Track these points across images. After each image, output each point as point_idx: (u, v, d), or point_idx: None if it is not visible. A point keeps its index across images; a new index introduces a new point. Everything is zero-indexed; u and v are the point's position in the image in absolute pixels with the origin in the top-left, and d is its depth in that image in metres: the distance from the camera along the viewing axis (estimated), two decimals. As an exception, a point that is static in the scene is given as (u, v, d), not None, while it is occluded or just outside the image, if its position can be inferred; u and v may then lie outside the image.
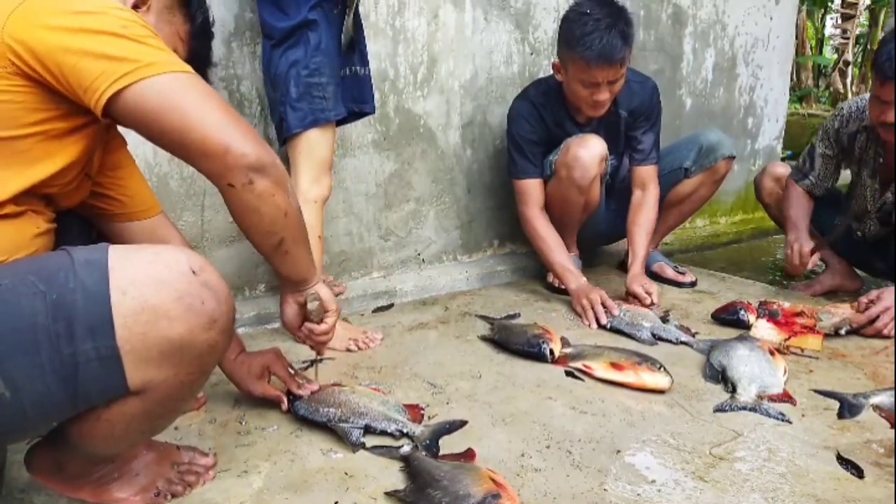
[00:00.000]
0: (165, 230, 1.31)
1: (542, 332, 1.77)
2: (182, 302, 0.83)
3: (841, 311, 1.94)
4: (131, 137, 1.74)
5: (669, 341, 1.83)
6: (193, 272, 0.85)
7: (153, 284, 0.83)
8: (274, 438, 1.33)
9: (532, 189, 2.21)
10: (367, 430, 1.31)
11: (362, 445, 1.28)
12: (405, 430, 1.31)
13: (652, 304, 2.03)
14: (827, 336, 1.85)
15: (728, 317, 1.97)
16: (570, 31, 1.98)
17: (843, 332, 1.86)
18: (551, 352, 1.69)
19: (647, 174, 2.22)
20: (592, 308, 1.98)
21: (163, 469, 1.12)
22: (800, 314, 1.94)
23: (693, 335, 1.85)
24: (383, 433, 1.31)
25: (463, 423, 1.38)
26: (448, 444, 1.30)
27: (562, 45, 2.04)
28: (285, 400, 1.39)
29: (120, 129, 1.17)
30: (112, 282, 0.81)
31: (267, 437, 1.33)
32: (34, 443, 1.07)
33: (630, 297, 2.08)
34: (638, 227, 2.20)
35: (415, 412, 1.40)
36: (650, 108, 2.20)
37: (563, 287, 2.23)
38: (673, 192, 2.31)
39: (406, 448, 1.27)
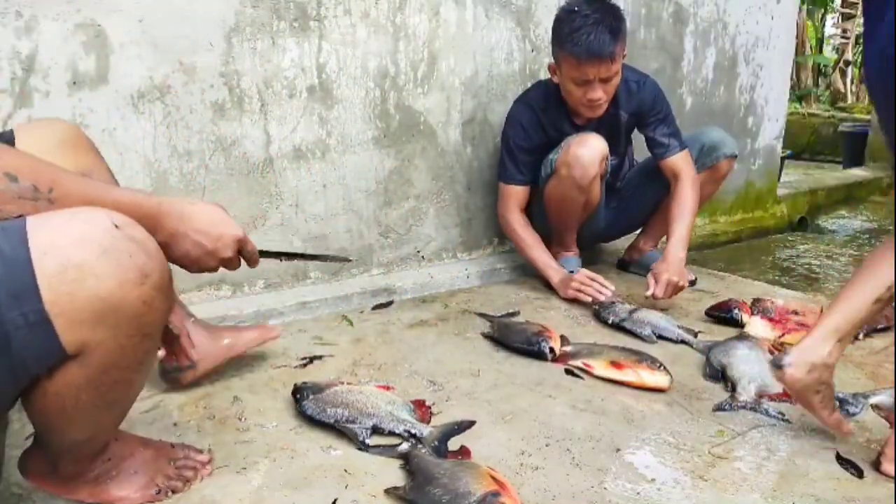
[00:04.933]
0: None
1: (541, 330, 1.77)
2: (108, 257, 0.79)
3: None
4: (132, 133, 1.74)
5: (670, 339, 1.83)
6: (116, 226, 0.81)
7: (75, 242, 0.78)
8: (273, 435, 1.32)
9: (514, 194, 2.24)
10: (375, 430, 1.30)
11: (368, 447, 1.27)
12: (413, 431, 1.29)
13: (654, 297, 1.99)
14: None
15: (722, 314, 1.98)
16: (560, 30, 2.00)
17: (860, 336, 1.86)
18: (551, 350, 1.68)
19: (675, 163, 2.17)
20: (587, 286, 2.04)
21: (160, 465, 1.11)
22: (794, 312, 1.95)
23: (695, 335, 1.85)
24: (391, 433, 1.30)
25: (471, 424, 1.36)
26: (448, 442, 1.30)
27: (554, 44, 2.06)
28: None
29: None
30: (32, 244, 0.77)
31: (266, 434, 1.33)
32: (27, 448, 1.07)
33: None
34: (672, 209, 2.12)
35: (422, 410, 1.39)
36: (652, 106, 2.19)
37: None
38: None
39: (405, 445, 1.27)
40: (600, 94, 2.02)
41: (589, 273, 2.11)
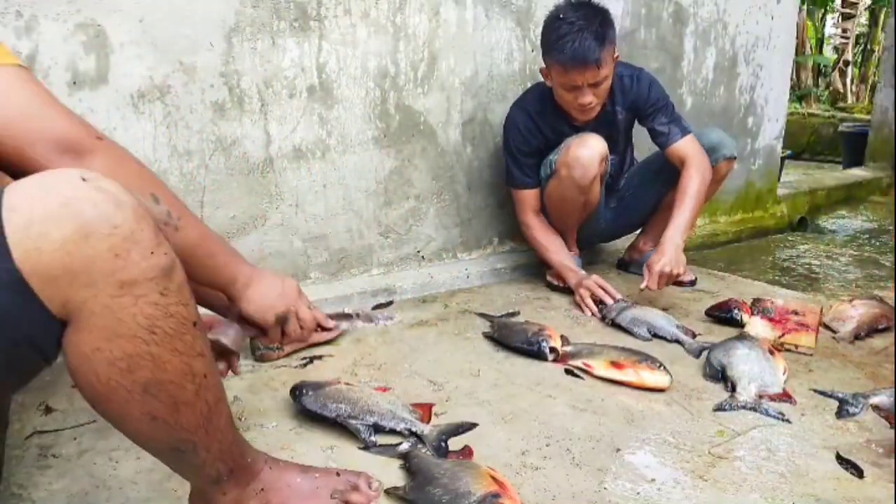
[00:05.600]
0: None
1: (541, 329, 1.77)
2: (70, 208, 0.75)
3: (852, 313, 1.93)
4: (132, 133, 1.74)
5: (664, 338, 1.84)
6: (83, 179, 0.77)
7: (40, 195, 0.75)
8: (273, 435, 1.32)
9: (526, 198, 2.25)
10: (376, 428, 1.30)
11: (374, 444, 1.27)
12: (414, 430, 1.30)
13: (647, 288, 1.98)
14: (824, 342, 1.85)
15: (722, 314, 1.98)
16: (546, 37, 2.01)
17: (862, 335, 1.86)
18: (552, 349, 1.68)
19: (679, 149, 2.13)
20: (592, 295, 2.03)
21: (322, 499, 1.03)
22: (794, 312, 1.95)
23: (694, 336, 1.85)
24: (392, 431, 1.30)
25: (473, 426, 1.36)
26: (449, 442, 1.30)
27: (543, 50, 2.07)
28: (234, 367, 1.28)
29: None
30: (4, 203, 0.75)
31: (266, 434, 1.33)
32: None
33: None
34: (677, 192, 2.09)
35: (423, 410, 1.39)
36: (648, 98, 2.18)
37: (563, 285, 2.24)
38: (673, 190, 2.31)
39: (405, 445, 1.27)
40: (590, 99, 2.01)
41: (600, 280, 2.07)
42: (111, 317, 0.79)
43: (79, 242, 0.74)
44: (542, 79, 2.16)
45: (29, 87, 0.90)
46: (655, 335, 1.85)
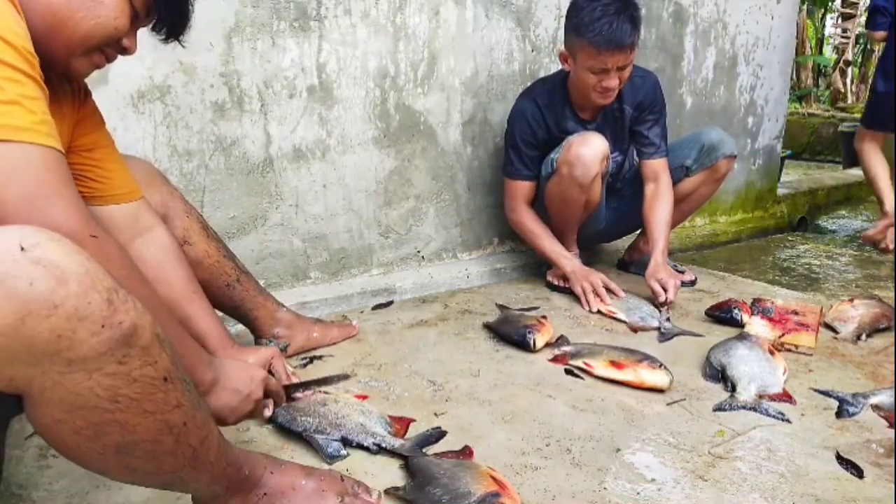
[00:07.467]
0: (148, 216, 1.29)
1: (533, 324, 1.78)
2: (3, 286, 0.67)
3: (853, 313, 1.93)
4: (132, 133, 1.75)
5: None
6: (22, 249, 0.69)
7: None
8: (274, 435, 1.32)
9: (522, 189, 2.24)
10: (345, 442, 1.27)
11: (342, 457, 1.24)
12: (383, 445, 1.26)
13: (665, 303, 2.00)
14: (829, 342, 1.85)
15: (722, 315, 1.98)
16: (579, 18, 1.97)
17: (864, 337, 1.86)
18: (535, 341, 1.72)
19: (658, 166, 2.22)
20: (594, 291, 2.04)
21: (327, 501, 1.01)
22: (794, 312, 1.95)
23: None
24: (360, 446, 1.27)
25: (443, 434, 1.33)
26: (446, 443, 1.30)
27: (570, 32, 2.03)
28: (271, 406, 1.33)
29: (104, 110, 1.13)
30: None
31: (266, 435, 1.33)
32: None
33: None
34: (655, 215, 2.18)
35: (402, 425, 1.35)
36: (654, 102, 2.21)
37: (562, 285, 2.24)
38: (673, 190, 2.31)
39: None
40: (616, 83, 2.01)
41: (606, 280, 2.10)
42: (65, 392, 0.73)
43: (15, 326, 0.68)
44: (543, 76, 2.16)
45: (47, 173, 0.87)
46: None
